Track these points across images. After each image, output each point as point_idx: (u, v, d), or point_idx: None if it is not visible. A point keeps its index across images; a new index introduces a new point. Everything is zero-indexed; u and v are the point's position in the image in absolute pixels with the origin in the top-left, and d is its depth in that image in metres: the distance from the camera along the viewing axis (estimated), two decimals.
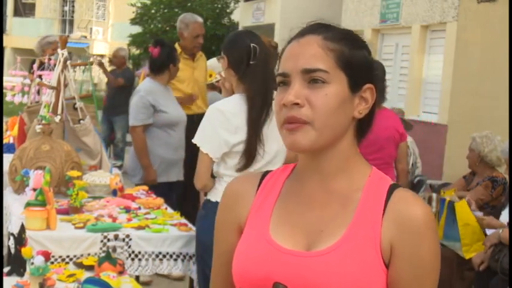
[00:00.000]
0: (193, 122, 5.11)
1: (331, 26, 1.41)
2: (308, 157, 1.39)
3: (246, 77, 3.27)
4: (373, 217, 1.34)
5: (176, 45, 5.45)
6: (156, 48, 4.98)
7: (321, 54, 1.34)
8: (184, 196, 5.00)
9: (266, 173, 1.49)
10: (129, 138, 10.70)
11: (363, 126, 1.41)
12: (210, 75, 6.34)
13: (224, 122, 3.19)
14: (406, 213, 1.33)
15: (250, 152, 3.23)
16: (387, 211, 1.34)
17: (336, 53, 1.35)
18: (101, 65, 10.03)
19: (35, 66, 5.70)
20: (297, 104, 1.32)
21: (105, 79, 10.76)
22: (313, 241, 1.35)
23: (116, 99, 9.96)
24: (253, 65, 3.26)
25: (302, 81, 1.34)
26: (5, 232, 3.76)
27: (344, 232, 1.33)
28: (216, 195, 3.29)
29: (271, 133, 3.26)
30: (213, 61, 5.99)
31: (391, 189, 1.36)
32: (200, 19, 5.85)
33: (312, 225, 1.36)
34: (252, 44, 3.27)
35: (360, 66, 1.37)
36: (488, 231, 4.65)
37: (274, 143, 3.30)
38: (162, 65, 4.99)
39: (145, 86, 5.01)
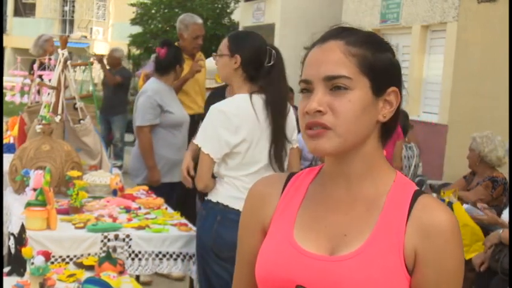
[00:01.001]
0: (194, 121, 5.12)
1: (354, 29, 1.39)
2: (333, 161, 1.39)
3: (259, 78, 3.27)
4: (396, 223, 1.33)
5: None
6: (163, 49, 4.97)
7: (343, 60, 1.33)
8: (184, 196, 5.00)
9: (291, 175, 1.48)
10: (127, 138, 10.76)
11: (387, 129, 1.40)
12: None
13: (225, 122, 3.19)
14: (430, 220, 1.32)
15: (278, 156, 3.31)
16: (411, 218, 1.33)
17: (358, 58, 1.33)
18: (100, 61, 10.03)
19: (35, 66, 5.71)
20: (319, 111, 1.32)
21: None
22: (336, 245, 1.35)
23: (113, 99, 9.99)
24: (270, 67, 3.26)
25: (324, 88, 1.33)
26: (5, 232, 3.76)
27: (368, 237, 1.33)
28: (216, 195, 3.29)
29: None
30: None
31: (416, 196, 1.36)
32: (200, 20, 5.84)
33: (336, 229, 1.36)
34: (267, 47, 3.28)
35: (383, 70, 1.36)
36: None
37: None
38: (169, 66, 4.99)
39: (152, 86, 4.98)
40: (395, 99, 1.37)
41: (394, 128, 1.41)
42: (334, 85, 1.32)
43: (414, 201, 1.35)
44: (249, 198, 1.50)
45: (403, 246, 1.31)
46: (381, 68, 1.35)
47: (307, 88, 1.35)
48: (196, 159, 3.63)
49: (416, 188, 1.39)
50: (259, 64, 3.26)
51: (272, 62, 3.26)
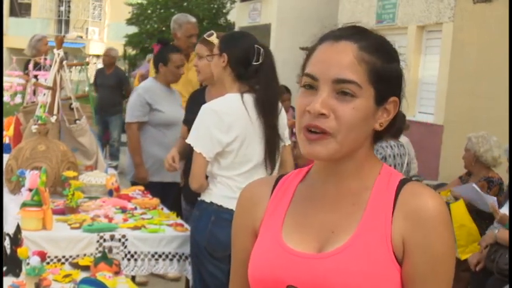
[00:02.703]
0: None
1: (367, 31, 1.38)
2: (324, 163, 1.38)
3: (248, 77, 3.28)
4: (383, 214, 1.32)
5: None
6: (156, 47, 5.09)
7: (355, 66, 1.31)
8: (179, 197, 4.99)
9: (280, 177, 1.48)
10: (124, 138, 10.75)
11: (380, 135, 1.40)
12: None
13: (217, 121, 3.20)
14: (415, 205, 1.30)
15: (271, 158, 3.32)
16: (397, 206, 1.32)
17: (369, 65, 1.32)
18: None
19: (31, 66, 5.70)
20: (322, 114, 1.30)
21: None
22: (324, 243, 1.34)
23: (109, 99, 10.02)
24: (259, 66, 3.27)
25: (331, 90, 1.31)
26: None
27: (354, 231, 1.32)
28: (210, 196, 3.29)
29: None
30: None
31: (401, 184, 1.34)
32: (193, 19, 5.85)
33: (324, 226, 1.36)
34: (256, 45, 3.28)
35: (389, 80, 1.35)
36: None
37: None
38: (155, 64, 5.07)
39: (144, 85, 5.11)
40: (393, 109, 1.36)
41: (386, 134, 1.40)
42: (342, 89, 1.30)
43: (400, 190, 1.33)
44: (239, 202, 1.51)
45: (390, 236, 1.30)
46: (387, 78, 1.34)
47: (311, 84, 1.33)
48: (182, 156, 3.67)
49: (403, 177, 1.37)
50: (247, 63, 3.27)
51: (260, 61, 3.27)
